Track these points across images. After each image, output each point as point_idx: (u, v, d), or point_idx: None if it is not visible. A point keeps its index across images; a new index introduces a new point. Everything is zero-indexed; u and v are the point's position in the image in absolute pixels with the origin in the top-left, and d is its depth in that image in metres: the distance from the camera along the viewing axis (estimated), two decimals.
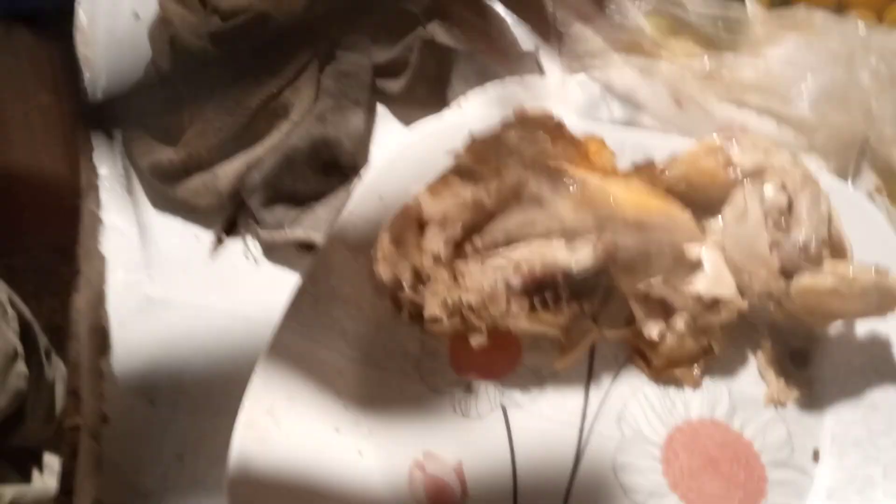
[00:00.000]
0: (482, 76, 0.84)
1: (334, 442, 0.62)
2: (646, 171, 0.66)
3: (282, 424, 0.61)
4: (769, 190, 0.62)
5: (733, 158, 0.63)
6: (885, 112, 0.72)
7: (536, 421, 0.62)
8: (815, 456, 0.59)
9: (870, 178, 0.73)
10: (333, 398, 0.64)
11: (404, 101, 0.86)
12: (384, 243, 0.63)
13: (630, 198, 0.60)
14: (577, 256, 0.60)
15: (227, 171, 0.80)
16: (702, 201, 0.64)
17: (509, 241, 0.61)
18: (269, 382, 0.63)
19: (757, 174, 0.63)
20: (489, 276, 0.60)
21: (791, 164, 0.63)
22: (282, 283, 0.68)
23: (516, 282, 0.61)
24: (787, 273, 0.59)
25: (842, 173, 0.72)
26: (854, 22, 0.75)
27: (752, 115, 0.75)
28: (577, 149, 0.65)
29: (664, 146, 0.69)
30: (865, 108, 0.73)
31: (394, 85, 0.86)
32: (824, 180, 0.64)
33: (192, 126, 0.83)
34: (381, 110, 0.88)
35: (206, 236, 0.83)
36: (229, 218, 0.83)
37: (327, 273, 0.69)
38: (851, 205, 0.66)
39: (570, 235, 0.61)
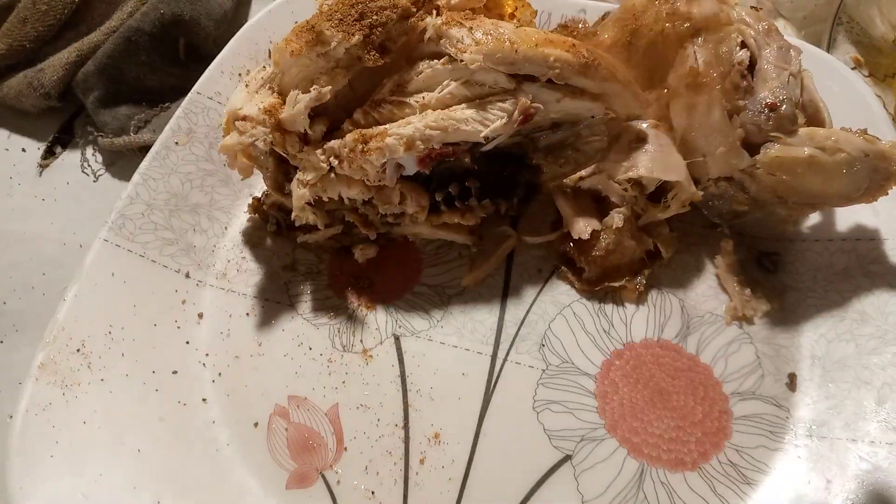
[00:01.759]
0: None
1: (168, 388, 0.47)
2: (573, 30, 0.52)
3: (95, 366, 0.46)
4: (725, 45, 0.47)
5: (680, 9, 0.49)
6: None
7: (437, 351, 0.48)
8: (792, 383, 0.46)
9: (847, 51, 0.60)
10: (172, 332, 0.49)
11: None
12: (234, 124, 0.47)
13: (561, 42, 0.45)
14: (488, 124, 0.44)
15: (55, 63, 0.64)
16: (641, 66, 0.50)
17: (399, 114, 0.46)
18: (82, 313, 0.47)
19: (711, 27, 0.49)
20: (375, 158, 0.45)
21: (752, 16, 0.49)
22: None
23: (411, 163, 0.46)
24: (753, 145, 0.45)
25: (815, 44, 0.58)
26: None
27: None
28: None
29: (597, 14, 0.54)
30: None
31: None
32: (797, 44, 0.50)
33: (12, 12, 0.65)
34: None
35: (34, 148, 0.66)
36: (64, 124, 0.66)
37: (167, 175, 0.53)
38: (828, 72, 0.52)
39: (477, 99, 0.45)
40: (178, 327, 0.49)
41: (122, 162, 0.64)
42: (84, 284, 0.47)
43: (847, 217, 0.50)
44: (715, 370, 0.46)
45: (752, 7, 0.53)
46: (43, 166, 0.64)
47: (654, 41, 0.50)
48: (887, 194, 0.45)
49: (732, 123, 0.46)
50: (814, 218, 0.51)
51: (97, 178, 0.63)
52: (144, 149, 0.59)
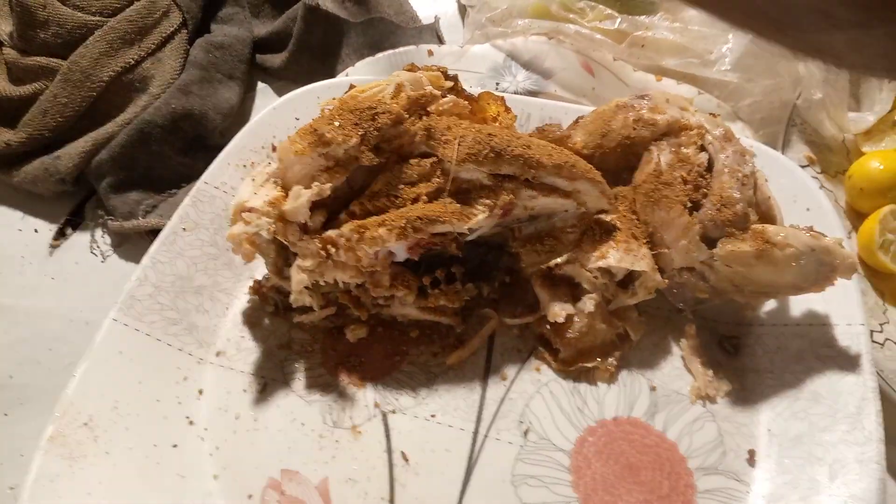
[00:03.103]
0: (375, 49, 0.74)
1: (169, 461, 0.49)
2: (549, 134, 0.57)
3: (101, 440, 0.49)
4: (686, 148, 0.53)
5: (644, 115, 0.55)
6: (813, 76, 0.66)
7: (422, 426, 0.51)
8: (751, 459, 0.49)
9: (800, 150, 0.66)
10: (174, 407, 0.52)
11: (288, 76, 0.76)
12: (240, 215, 0.51)
13: (537, 145, 0.50)
14: (472, 218, 0.49)
15: (71, 152, 0.68)
16: (611, 166, 0.55)
17: (391, 206, 0.51)
18: (89, 387, 0.50)
19: (673, 132, 0.55)
20: (368, 247, 0.49)
21: (709, 122, 0.55)
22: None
23: (401, 251, 0.50)
24: (710, 239, 0.50)
25: (771, 144, 0.64)
26: None
27: (671, 82, 0.67)
28: (472, 105, 0.56)
29: (572, 115, 0.60)
30: (792, 72, 0.66)
31: (275, 59, 0.77)
32: (752, 147, 0.56)
33: (34, 104, 0.71)
34: (263, 87, 0.77)
35: (46, 229, 0.70)
36: (74, 207, 0.71)
37: (174, 258, 0.57)
38: (782, 172, 0.58)
39: (462, 194, 0.50)
40: (180, 403, 0.53)
41: (129, 244, 0.68)
42: (93, 361, 0.51)
43: (801, 304, 0.54)
44: (680, 446, 0.50)
45: (710, 114, 0.59)
46: (54, 246, 0.68)
47: (622, 144, 0.56)
48: (833, 285, 0.50)
49: (692, 220, 0.51)
50: (771, 304, 0.55)
51: (105, 259, 0.67)
52: (152, 232, 0.64)
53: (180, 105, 0.68)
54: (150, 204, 0.67)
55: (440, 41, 0.76)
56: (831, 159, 0.68)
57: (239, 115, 0.74)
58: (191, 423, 0.52)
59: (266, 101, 0.76)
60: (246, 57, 0.75)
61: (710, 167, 0.54)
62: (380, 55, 0.71)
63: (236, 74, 0.74)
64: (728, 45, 0.66)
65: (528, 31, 0.70)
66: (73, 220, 0.70)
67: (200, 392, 0.53)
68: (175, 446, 0.51)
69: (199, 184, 0.60)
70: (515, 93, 0.68)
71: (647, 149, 0.55)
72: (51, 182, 0.68)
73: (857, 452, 0.46)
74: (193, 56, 0.72)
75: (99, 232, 0.69)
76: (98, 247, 0.68)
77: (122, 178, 0.67)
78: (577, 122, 0.59)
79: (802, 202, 0.57)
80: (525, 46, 0.70)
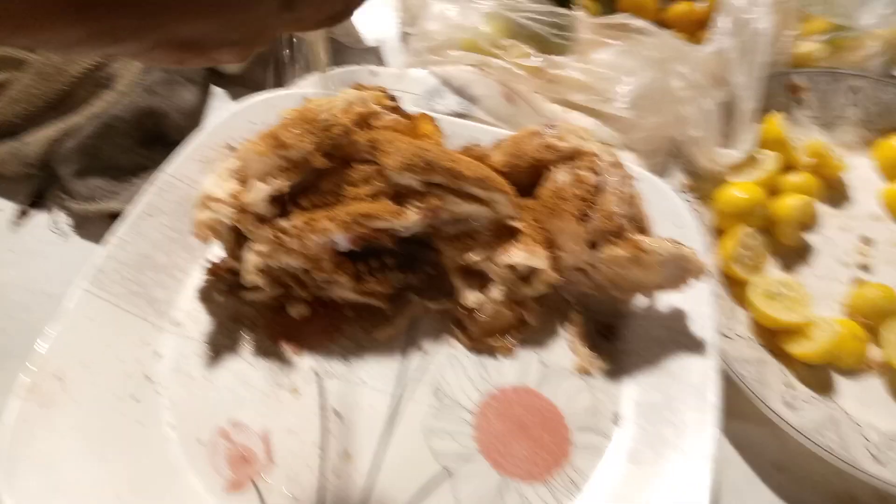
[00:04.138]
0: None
1: (131, 411, 0.57)
2: (472, 151, 0.68)
3: (70, 390, 0.56)
4: (581, 170, 0.65)
5: (550, 142, 0.66)
6: (692, 116, 0.79)
7: (352, 389, 0.61)
8: (616, 419, 0.61)
9: (679, 177, 0.79)
10: (135, 366, 0.60)
11: (241, 83, 0.85)
12: (207, 203, 0.60)
13: (462, 160, 0.61)
14: (407, 217, 0.59)
15: (38, 138, 0.75)
16: (521, 181, 0.67)
17: (337, 203, 0.60)
18: (61, 346, 0.57)
19: (572, 157, 0.66)
20: (316, 237, 0.58)
21: (603, 151, 0.67)
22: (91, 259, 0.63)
23: (343, 241, 0.60)
24: (594, 244, 0.62)
25: (655, 171, 0.77)
26: (669, 33, 0.83)
27: (576, 114, 0.80)
28: (409, 122, 0.66)
29: (493, 137, 0.71)
30: (676, 112, 0.79)
31: (232, 67, 0.85)
32: (638, 173, 0.68)
33: (5, 91, 0.77)
34: (217, 91, 0.86)
35: (10, 208, 0.76)
36: (36, 188, 0.77)
37: (138, 239, 0.65)
38: (660, 194, 0.70)
39: (397, 197, 0.61)
40: (140, 363, 0.60)
41: (89, 225, 0.75)
42: (66, 325, 0.58)
43: (664, 300, 0.67)
44: (562, 410, 0.61)
45: (605, 143, 0.71)
46: (16, 224, 0.74)
47: (532, 164, 0.67)
48: (688, 284, 0.63)
49: (581, 229, 0.63)
50: (641, 300, 0.68)
51: (66, 238, 0.74)
52: (112, 216, 0.71)
53: (146, 103, 0.76)
54: (110, 190, 0.74)
55: (382, 63, 0.86)
56: (703, 186, 0.81)
57: (196, 115, 0.82)
58: (150, 380, 0.60)
59: (221, 103, 0.84)
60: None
61: (599, 187, 0.66)
62: (328, 72, 0.80)
63: (196, 78, 0.82)
64: (627, 86, 0.79)
65: (459, 62, 0.81)
66: (36, 201, 0.76)
67: (159, 355, 0.61)
68: (136, 399, 0.58)
69: (162, 175, 0.68)
70: (446, 114, 0.79)
71: (550, 169, 0.67)
72: (17, 164, 0.74)
73: (699, 416, 0.58)
74: None
75: (61, 214, 0.75)
76: (59, 226, 0.75)
77: (86, 165, 0.74)
78: (497, 144, 0.70)
79: (673, 220, 0.70)
80: (456, 74, 0.81)
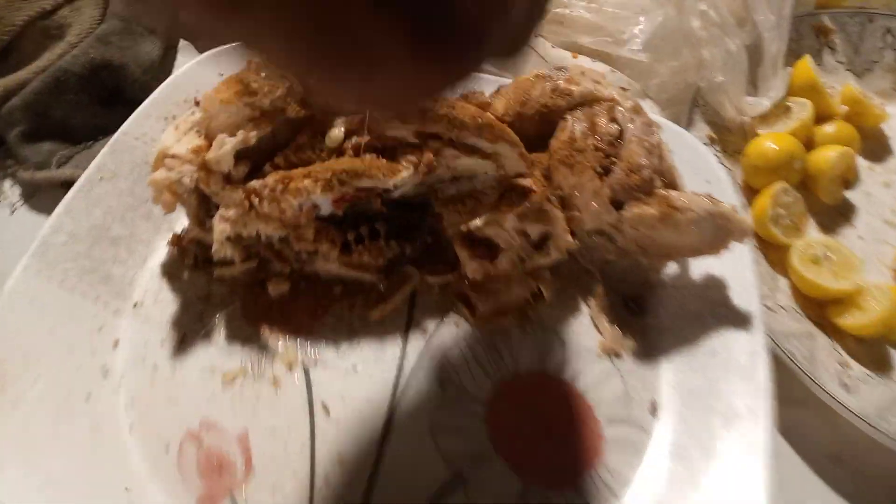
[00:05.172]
0: None
1: (82, 412, 0.49)
2: (472, 100, 0.59)
3: (7, 389, 0.47)
4: (599, 118, 0.56)
5: (561, 86, 0.57)
6: (715, 60, 0.70)
7: (343, 377, 0.52)
8: (653, 409, 0.53)
9: (702, 129, 0.70)
10: (87, 358, 0.51)
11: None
12: (163, 161, 0.51)
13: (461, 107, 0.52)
14: (398, 174, 0.50)
15: None
16: (528, 133, 0.58)
17: (316, 159, 0.51)
18: (1, 337, 0.49)
19: (586, 103, 0.58)
20: (293, 199, 0.50)
21: (621, 96, 0.58)
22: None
23: (326, 204, 0.51)
24: (618, 203, 0.53)
25: (676, 123, 0.68)
26: None
27: (585, 59, 0.71)
28: None
29: (494, 86, 0.62)
30: (696, 56, 0.70)
31: None
32: (657, 121, 0.60)
33: None
34: (185, 45, 0.76)
35: None
36: None
37: (90, 207, 0.56)
38: (684, 146, 0.62)
39: (387, 151, 0.52)
40: (94, 353, 0.52)
41: (40, 195, 0.66)
42: (2, 309, 0.49)
43: (700, 268, 0.58)
44: (588, 397, 0.53)
45: (621, 88, 0.62)
46: None
47: (540, 112, 0.58)
48: (728, 248, 0.54)
49: (602, 184, 0.54)
50: (672, 268, 0.59)
51: (13, 212, 0.65)
52: (65, 184, 0.62)
53: (99, 55, 0.66)
54: (64, 155, 0.65)
55: None
56: (730, 139, 0.73)
57: (160, 71, 0.72)
58: (106, 373, 0.51)
59: (188, 58, 0.74)
60: (171, 13, 0.74)
61: (620, 137, 0.57)
62: None
63: (158, 29, 0.72)
64: (640, 26, 0.70)
65: None
66: None
67: (116, 343, 0.53)
68: (88, 398, 0.50)
69: (118, 134, 0.59)
70: None
71: (563, 118, 0.58)
72: None
73: (750, 402, 0.50)
74: (114, 7, 0.70)
75: (7, 183, 0.66)
76: (6, 198, 0.65)
77: (34, 126, 0.65)
78: (498, 91, 0.61)
79: (703, 175, 0.61)
80: None
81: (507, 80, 0.63)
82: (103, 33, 0.68)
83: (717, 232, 0.54)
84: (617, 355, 0.55)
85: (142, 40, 0.70)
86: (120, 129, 0.59)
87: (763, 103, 0.72)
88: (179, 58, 0.75)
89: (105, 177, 0.57)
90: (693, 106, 0.71)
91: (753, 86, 0.75)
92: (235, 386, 0.52)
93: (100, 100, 0.67)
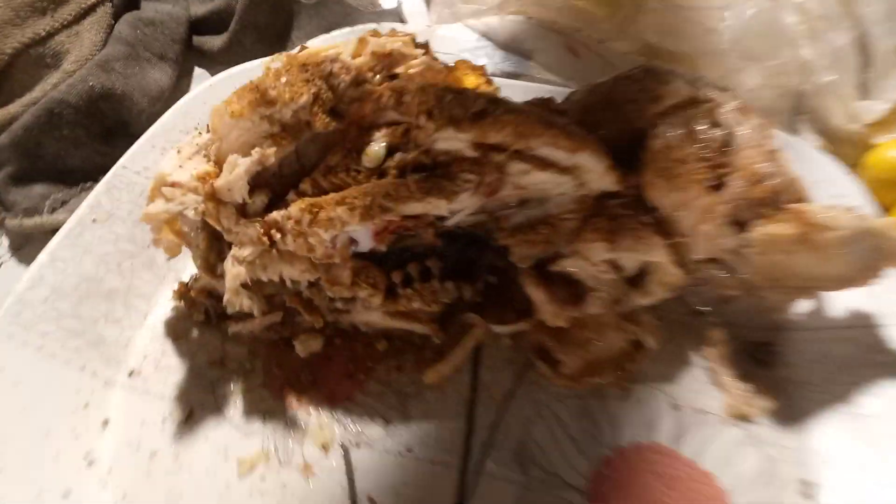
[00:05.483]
0: (328, 31, 0.65)
1: None
2: (540, 107, 0.48)
3: None
4: (697, 123, 0.45)
5: (649, 87, 0.46)
6: (820, 59, 0.59)
7: (395, 463, 0.40)
8: (807, 491, 0.39)
9: (811, 141, 0.59)
10: (69, 442, 0.40)
11: (229, 60, 0.66)
12: (161, 191, 0.41)
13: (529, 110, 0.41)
14: (454, 196, 0.40)
15: None
16: (612, 143, 0.46)
17: (352, 183, 0.41)
18: None
19: (680, 106, 0.46)
20: (324, 232, 0.39)
21: (723, 96, 0.47)
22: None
23: (365, 238, 0.40)
24: (740, 222, 0.41)
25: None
26: None
27: (661, 66, 0.60)
28: (445, 72, 0.47)
29: (559, 98, 0.52)
30: (796, 55, 0.59)
31: (214, 41, 0.67)
32: None
33: None
34: (200, 73, 0.67)
35: None
36: None
37: (80, 255, 0.45)
38: (799, 157, 0.50)
39: (441, 170, 0.41)
40: (77, 437, 0.41)
41: (32, 247, 0.56)
42: None
43: (838, 303, 0.46)
44: (718, 478, 0.40)
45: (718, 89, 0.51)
46: None
47: (623, 120, 0.48)
48: (880, 276, 0.42)
49: (716, 199, 0.42)
50: (803, 306, 0.46)
51: (0, 265, 0.55)
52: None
53: (99, 83, 0.57)
54: (58, 199, 0.56)
55: (403, 23, 0.67)
56: (843, 150, 0.61)
57: (171, 102, 0.63)
58: (91, 462, 0.40)
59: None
60: (181, 37, 0.65)
61: (727, 143, 0.45)
62: (335, 32, 0.62)
63: (169, 55, 0.64)
64: (725, 22, 0.59)
65: (504, 8, 0.62)
66: None
67: (105, 423, 0.42)
68: (68, 495, 0.38)
69: (115, 168, 0.49)
70: (493, 75, 0.60)
71: (654, 125, 0.47)
72: None
73: None
74: (119, 31, 0.62)
75: None
76: None
77: (25, 167, 0.56)
78: (568, 97, 0.50)
79: (826, 189, 0.49)
80: (502, 25, 0.62)
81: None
82: (104, 59, 0.59)
83: (866, 255, 0.42)
84: (749, 420, 0.42)
85: (149, 67, 0.62)
86: (118, 163, 0.49)
87: (879, 107, 0.60)
88: (194, 87, 0.67)
89: (99, 219, 0.47)
90: (795, 114, 0.59)
91: (863, 89, 0.63)
92: (256, 475, 0.40)
93: (100, 135, 0.58)
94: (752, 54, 0.60)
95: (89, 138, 0.58)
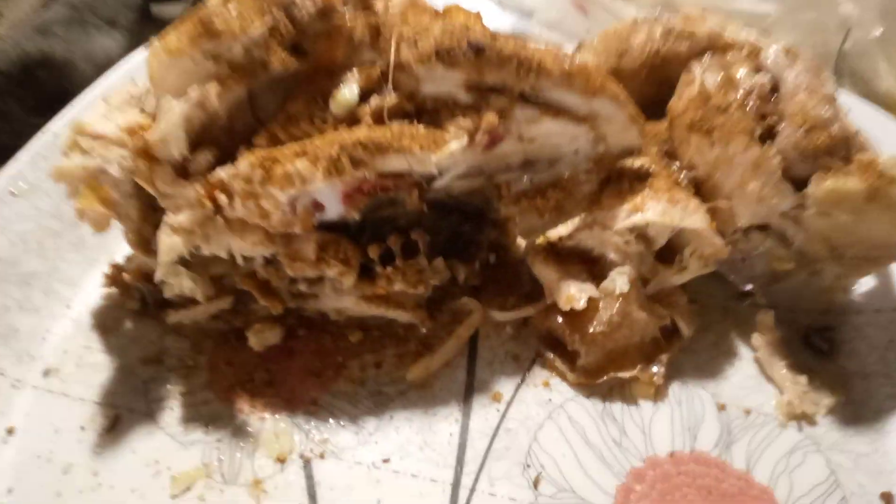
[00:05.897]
0: None
1: None
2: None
3: None
4: (736, 67, 0.38)
5: (677, 27, 0.40)
6: (864, 15, 0.52)
7: (369, 480, 0.32)
8: None
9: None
10: None
11: None
12: (74, 142, 0.33)
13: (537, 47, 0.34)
14: (443, 146, 0.32)
15: None
16: (634, 95, 0.39)
17: (318, 134, 0.33)
18: None
19: (715, 48, 0.40)
20: (280, 193, 0.31)
21: (765, 37, 0.40)
22: None
23: (333, 201, 0.33)
24: (796, 179, 0.34)
25: None
26: None
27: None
28: (431, 10, 0.39)
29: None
30: (836, 11, 0.52)
31: (174, 9, 0.61)
32: None
33: None
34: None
35: None
36: None
37: None
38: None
39: (429, 117, 0.33)
40: None
41: None
42: None
43: None
44: (777, 492, 0.32)
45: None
46: None
47: (649, 64, 0.41)
48: None
49: (766, 151, 0.35)
50: (866, 284, 0.39)
51: None
52: None
53: (36, 48, 0.51)
54: None
55: None
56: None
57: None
58: None
59: None
60: (135, 3, 0.59)
61: (775, 88, 0.38)
62: None
63: (120, 21, 0.58)
64: None
65: None
66: None
67: (10, 431, 0.35)
68: None
69: (39, 134, 0.42)
70: None
71: (686, 68, 0.40)
72: None
73: None
74: None
75: None
76: None
77: None
78: (580, 46, 0.43)
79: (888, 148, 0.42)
80: None
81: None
82: (44, 22, 0.53)
83: None
84: (809, 421, 0.35)
85: (97, 32, 0.55)
86: (46, 128, 0.42)
87: None
88: None
89: (19, 192, 0.40)
90: (835, 74, 0.53)
91: None
92: (193, 494, 0.33)
93: (36, 106, 0.51)
94: (788, 5, 0.53)
95: (24, 110, 0.52)
